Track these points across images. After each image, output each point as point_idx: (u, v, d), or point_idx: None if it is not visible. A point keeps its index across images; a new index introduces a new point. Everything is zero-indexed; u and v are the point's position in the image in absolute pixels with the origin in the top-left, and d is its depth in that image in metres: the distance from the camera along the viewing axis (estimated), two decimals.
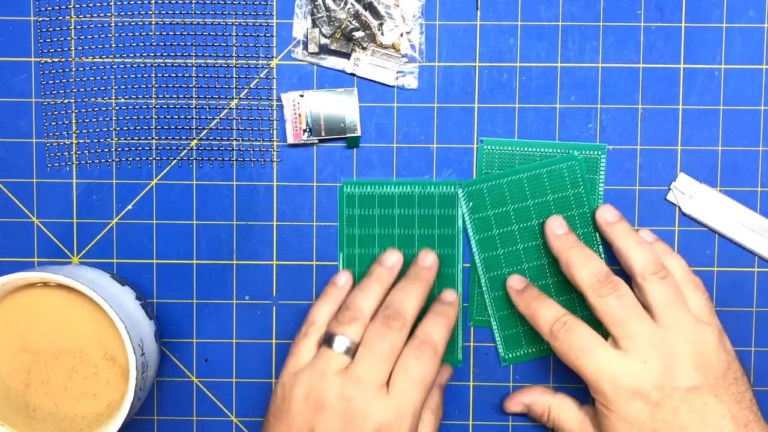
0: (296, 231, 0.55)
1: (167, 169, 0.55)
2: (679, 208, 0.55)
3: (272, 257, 0.56)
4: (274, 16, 0.55)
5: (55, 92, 0.55)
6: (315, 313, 0.51)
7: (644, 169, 0.55)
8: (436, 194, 0.55)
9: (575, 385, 0.55)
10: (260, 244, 0.55)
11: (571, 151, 0.55)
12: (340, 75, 0.55)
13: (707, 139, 0.55)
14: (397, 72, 0.55)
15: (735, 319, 0.55)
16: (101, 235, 0.56)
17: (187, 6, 0.55)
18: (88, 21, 0.55)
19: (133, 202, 0.55)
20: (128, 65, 0.55)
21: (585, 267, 0.50)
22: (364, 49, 0.54)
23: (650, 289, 0.49)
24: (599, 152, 0.55)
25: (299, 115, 0.55)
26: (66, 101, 0.55)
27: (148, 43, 0.55)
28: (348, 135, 0.55)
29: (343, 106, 0.54)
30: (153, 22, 0.55)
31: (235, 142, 0.55)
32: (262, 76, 0.55)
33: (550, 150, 0.55)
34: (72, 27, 0.55)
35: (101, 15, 0.55)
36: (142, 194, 0.55)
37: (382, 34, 0.54)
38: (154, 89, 0.55)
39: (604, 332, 0.50)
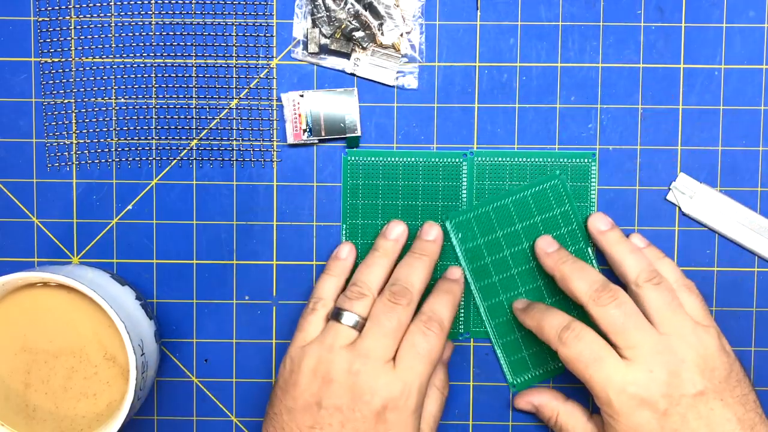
0: (296, 231, 0.55)
1: (167, 169, 0.55)
2: (679, 208, 0.55)
3: (272, 257, 0.56)
4: (274, 16, 0.55)
5: (55, 92, 0.55)
6: (321, 288, 0.52)
7: (644, 169, 0.55)
8: (440, 165, 0.55)
9: (573, 385, 0.55)
10: (260, 244, 0.55)
11: (560, 161, 0.54)
12: (340, 75, 0.55)
13: (707, 139, 0.55)
14: (397, 72, 0.55)
15: (735, 319, 0.55)
16: (101, 235, 0.56)
17: (187, 6, 0.55)
18: (88, 21, 0.55)
19: (133, 202, 0.55)
20: (128, 65, 0.55)
21: (581, 279, 0.50)
22: (364, 49, 0.54)
23: (646, 295, 0.49)
24: (589, 159, 0.55)
25: (299, 115, 0.55)
26: (66, 101, 0.55)
27: (148, 43, 0.55)
28: (348, 135, 0.55)
29: (343, 106, 0.54)
30: (153, 22, 0.55)
31: (235, 142, 0.55)
32: (262, 76, 0.55)
33: (540, 159, 0.54)
34: (72, 27, 0.55)
35: (101, 15, 0.55)
36: (142, 194, 0.55)
37: (382, 34, 0.54)
38: (154, 89, 0.55)
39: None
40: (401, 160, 0.55)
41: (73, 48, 0.55)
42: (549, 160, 0.55)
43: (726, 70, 0.55)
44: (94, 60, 0.55)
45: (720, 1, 0.55)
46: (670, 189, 0.55)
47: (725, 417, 0.47)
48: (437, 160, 0.55)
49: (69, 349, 0.50)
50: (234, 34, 0.55)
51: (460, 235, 0.55)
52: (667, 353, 0.48)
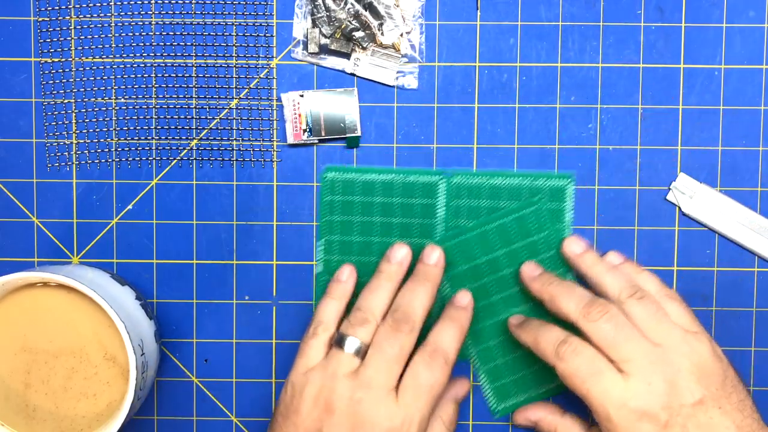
0: (296, 231, 0.55)
1: (167, 169, 0.55)
2: (679, 208, 0.55)
3: (272, 257, 0.56)
4: (274, 16, 0.55)
5: (55, 92, 0.55)
6: (322, 312, 0.51)
7: (644, 169, 0.55)
8: (417, 183, 0.55)
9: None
10: (260, 244, 0.55)
11: (537, 182, 0.54)
12: (340, 75, 0.55)
13: (707, 139, 0.55)
14: (397, 72, 0.55)
15: (735, 319, 0.55)
16: (101, 235, 0.56)
17: (187, 6, 0.55)
18: (88, 21, 0.55)
19: (133, 202, 0.55)
20: (128, 65, 0.55)
21: (569, 297, 0.50)
22: (364, 49, 0.54)
23: (631, 311, 0.49)
24: (567, 181, 0.54)
25: (299, 115, 0.55)
26: (66, 101, 0.55)
27: (148, 43, 0.55)
28: (348, 135, 0.55)
29: (343, 106, 0.54)
30: (153, 22, 0.55)
31: (235, 142, 0.55)
32: (262, 76, 0.55)
33: (517, 180, 0.54)
34: (72, 27, 0.55)
35: (101, 15, 0.55)
36: (142, 194, 0.55)
37: (382, 34, 0.54)
38: (154, 89, 0.55)
39: None
40: (379, 177, 0.55)
41: (73, 48, 0.55)
42: (527, 180, 0.54)
43: (726, 70, 0.55)
44: (94, 60, 0.55)
45: (720, 1, 0.55)
46: (670, 189, 0.55)
47: (724, 425, 0.47)
48: (414, 178, 0.55)
49: (69, 349, 0.50)
50: (234, 34, 0.55)
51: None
52: (662, 363, 0.47)
